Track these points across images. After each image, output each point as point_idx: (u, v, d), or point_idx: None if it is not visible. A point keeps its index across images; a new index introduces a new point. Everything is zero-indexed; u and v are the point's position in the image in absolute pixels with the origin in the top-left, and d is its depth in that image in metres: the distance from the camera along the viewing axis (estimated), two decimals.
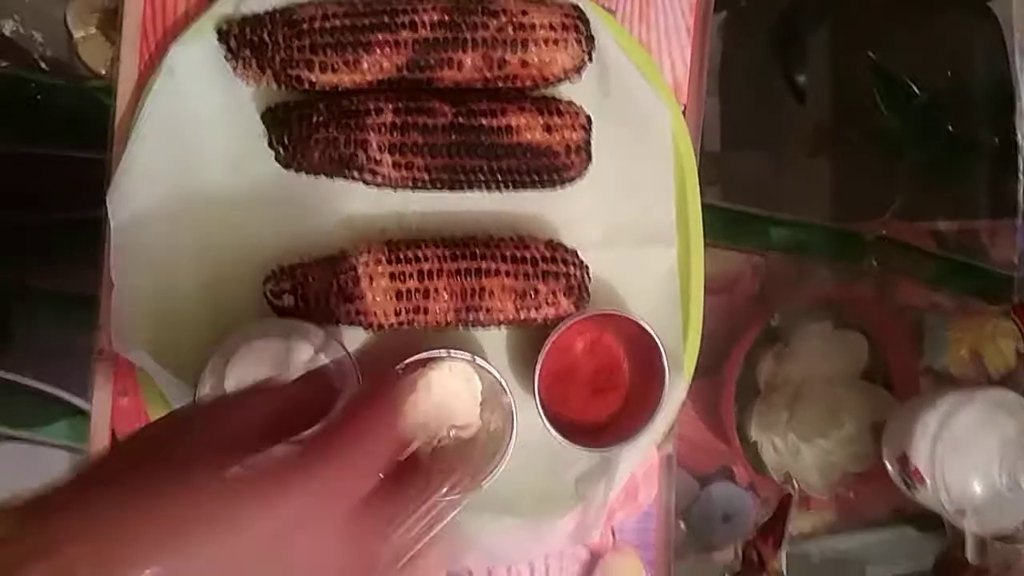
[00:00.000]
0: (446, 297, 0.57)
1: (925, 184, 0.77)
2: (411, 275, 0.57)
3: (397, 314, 0.57)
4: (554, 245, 0.59)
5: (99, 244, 0.61)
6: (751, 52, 0.77)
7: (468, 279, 0.57)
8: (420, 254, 0.57)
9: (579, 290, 0.59)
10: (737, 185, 0.75)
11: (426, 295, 0.57)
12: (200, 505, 0.31)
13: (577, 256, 0.60)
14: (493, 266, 0.58)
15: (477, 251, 0.58)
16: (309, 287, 0.57)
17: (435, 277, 0.57)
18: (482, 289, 0.57)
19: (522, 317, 0.59)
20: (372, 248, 0.58)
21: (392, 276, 0.57)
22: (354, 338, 0.62)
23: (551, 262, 0.58)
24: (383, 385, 0.37)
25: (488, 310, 0.58)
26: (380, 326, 0.58)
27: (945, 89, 0.76)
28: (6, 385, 0.65)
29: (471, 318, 0.58)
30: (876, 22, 0.78)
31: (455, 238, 0.59)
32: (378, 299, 0.57)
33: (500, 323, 0.59)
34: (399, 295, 0.57)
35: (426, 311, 0.57)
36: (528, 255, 0.58)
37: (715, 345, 0.69)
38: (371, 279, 0.57)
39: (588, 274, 0.60)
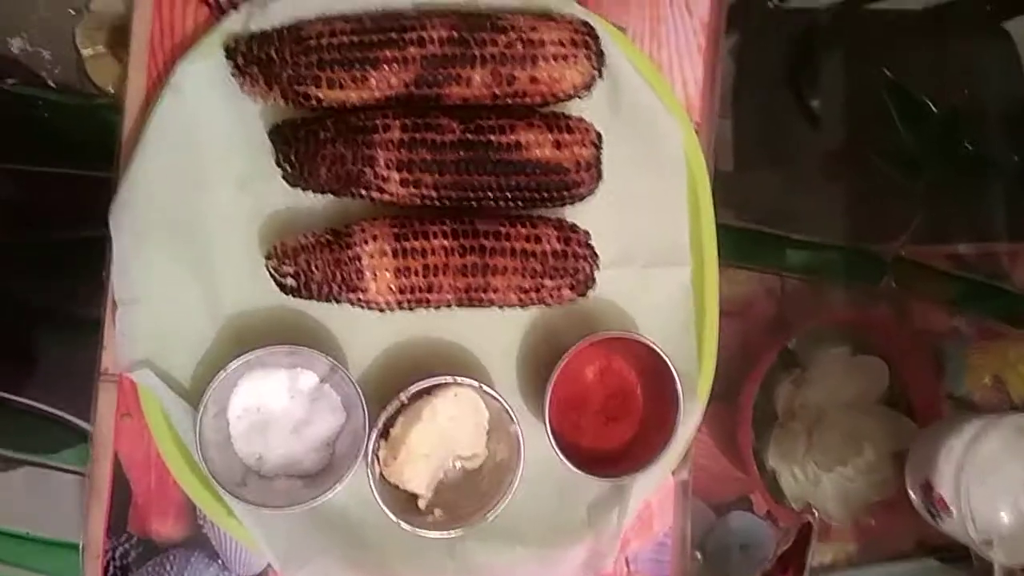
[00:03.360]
0: (449, 292, 0.57)
1: (943, 204, 0.76)
2: (416, 271, 0.56)
3: (400, 303, 0.58)
4: (567, 236, 0.58)
5: (104, 263, 0.60)
6: (765, 74, 0.76)
7: (474, 276, 0.57)
8: (427, 246, 0.56)
9: (585, 284, 0.59)
10: (751, 206, 0.74)
11: (430, 289, 0.57)
12: None
13: (589, 246, 0.59)
14: (501, 263, 0.57)
15: (486, 244, 0.57)
16: (312, 276, 0.57)
17: (440, 273, 0.57)
18: (487, 285, 0.57)
19: (523, 307, 0.59)
20: (378, 235, 0.57)
21: (397, 271, 0.56)
22: (359, 363, 0.61)
23: (561, 257, 0.57)
24: None
25: (491, 301, 0.58)
26: (381, 310, 0.58)
27: (961, 106, 0.75)
28: (11, 407, 0.65)
29: (471, 304, 0.58)
30: (891, 44, 0.77)
31: (464, 226, 0.58)
32: (381, 291, 0.57)
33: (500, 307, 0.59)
34: (402, 290, 0.57)
35: (428, 301, 0.58)
36: (539, 250, 0.57)
37: (730, 370, 0.68)
38: (375, 273, 0.56)
39: (597, 263, 0.59)
